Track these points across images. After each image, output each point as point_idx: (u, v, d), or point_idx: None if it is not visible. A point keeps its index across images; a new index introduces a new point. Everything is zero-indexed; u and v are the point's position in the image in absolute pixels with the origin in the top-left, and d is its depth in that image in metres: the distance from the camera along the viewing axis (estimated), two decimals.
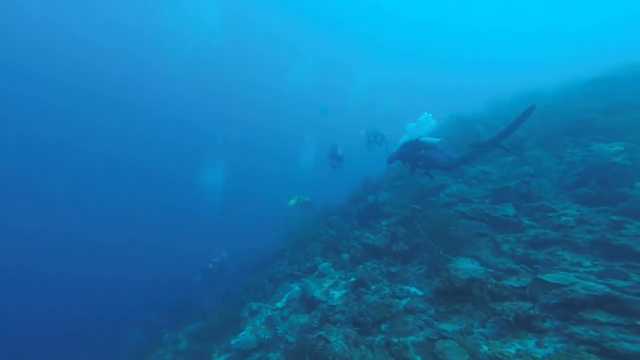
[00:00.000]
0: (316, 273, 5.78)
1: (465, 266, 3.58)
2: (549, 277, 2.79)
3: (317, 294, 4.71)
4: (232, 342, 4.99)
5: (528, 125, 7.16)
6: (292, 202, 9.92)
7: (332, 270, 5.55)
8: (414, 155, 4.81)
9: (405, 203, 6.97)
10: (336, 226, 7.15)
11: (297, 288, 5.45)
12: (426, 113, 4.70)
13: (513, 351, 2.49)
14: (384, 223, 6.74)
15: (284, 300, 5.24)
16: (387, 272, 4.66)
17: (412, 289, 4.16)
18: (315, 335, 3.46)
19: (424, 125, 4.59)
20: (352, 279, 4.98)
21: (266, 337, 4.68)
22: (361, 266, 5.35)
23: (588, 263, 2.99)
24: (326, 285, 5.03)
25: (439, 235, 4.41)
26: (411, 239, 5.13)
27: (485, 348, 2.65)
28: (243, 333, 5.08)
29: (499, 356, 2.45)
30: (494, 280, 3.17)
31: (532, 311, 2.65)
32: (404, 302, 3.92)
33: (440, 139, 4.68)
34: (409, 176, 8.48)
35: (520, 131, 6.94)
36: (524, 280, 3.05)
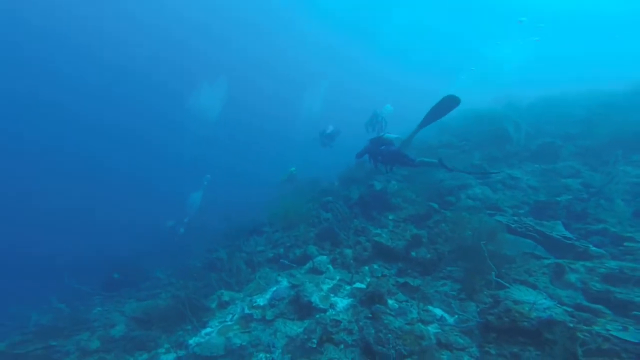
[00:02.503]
0: (309, 266, 4.70)
1: (530, 298, 2.71)
2: None
3: (315, 298, 3.65)
4: (191, 341, 3.83)
5: (566, 131, 6.58)
6: (284, 177, 8.69)
7: (330, 267, 4.51)
8: (377, 150, 5.17)
9: (417, 198, 6.07)
10: (334, 211, 6.06)
11: (285, 283, 4.34)
12: None
13: None
14: (390, 217, 5.80)
15: (268, 296, 4.12)
16: (405, 283, 3.72)
17: (438, 312, 3.28)
18: None
19: None
20: (358, 284, 3.99)
21: (240, 343, 3.57)
22: (367, 267, 4.38)
23: None
24: (325, 287, 3.98)
25: (477, 249, 3.52)
26: (434, 245, 4.23)
27: None
28: (208, 331, 3.92)
29: None
30: (584, 327, 2.33)
31: None
32: (431, 329, 3.03)
33: (397, 136, 5.21)
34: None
35: (556, 138, 6.29)
36: (635, 334, 2.23)
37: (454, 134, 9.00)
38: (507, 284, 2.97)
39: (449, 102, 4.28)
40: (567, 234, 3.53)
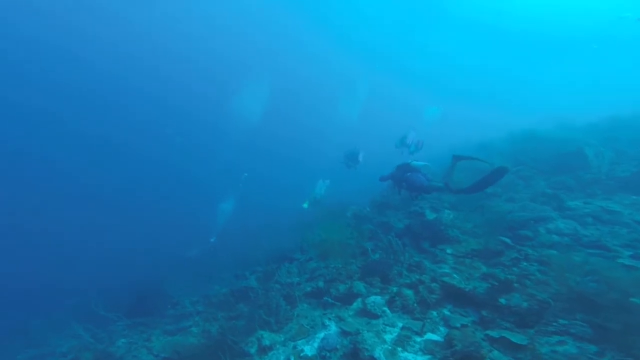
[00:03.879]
0: (357, 305, 3.99)
1: None
2: None
3: (379, 353, 2.90)
4: None
5: None
6: (305, 204, 7.97)
7: (387, 310, 3.74)
8: (402, 177, 5.04)
9: (477, 230, 5.25)
10: (380, 241, 5.35)
11: (334, 327, 3.63)
12: None
13: None
14: (448, 251, 5.00)
15: (316, 344, 3.41)
16: (501, 339, 2.87)
17: None
18: None
19: None
20: (430, 335, 3.19)
21: None
22: (435, 313, 3.58)
23: None
24: (388, 338, 3.22)
25: (612, 300, 2.68)
26: (525, 289, 3.38)
27: None
28: None
29: None
30: None
31: None
32: None
33: (425, 163, 5.01)
34: (470, 194, 6.77)
35: None
36: None
37: (504, 157, 8.15)
38: None
39: (500, 173, 3.76)
40: None
